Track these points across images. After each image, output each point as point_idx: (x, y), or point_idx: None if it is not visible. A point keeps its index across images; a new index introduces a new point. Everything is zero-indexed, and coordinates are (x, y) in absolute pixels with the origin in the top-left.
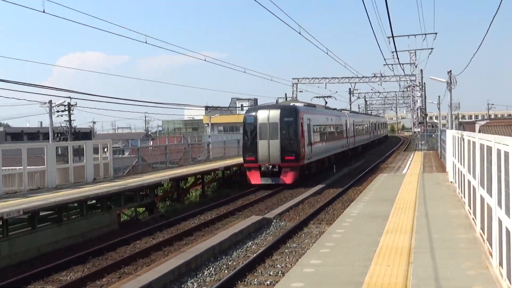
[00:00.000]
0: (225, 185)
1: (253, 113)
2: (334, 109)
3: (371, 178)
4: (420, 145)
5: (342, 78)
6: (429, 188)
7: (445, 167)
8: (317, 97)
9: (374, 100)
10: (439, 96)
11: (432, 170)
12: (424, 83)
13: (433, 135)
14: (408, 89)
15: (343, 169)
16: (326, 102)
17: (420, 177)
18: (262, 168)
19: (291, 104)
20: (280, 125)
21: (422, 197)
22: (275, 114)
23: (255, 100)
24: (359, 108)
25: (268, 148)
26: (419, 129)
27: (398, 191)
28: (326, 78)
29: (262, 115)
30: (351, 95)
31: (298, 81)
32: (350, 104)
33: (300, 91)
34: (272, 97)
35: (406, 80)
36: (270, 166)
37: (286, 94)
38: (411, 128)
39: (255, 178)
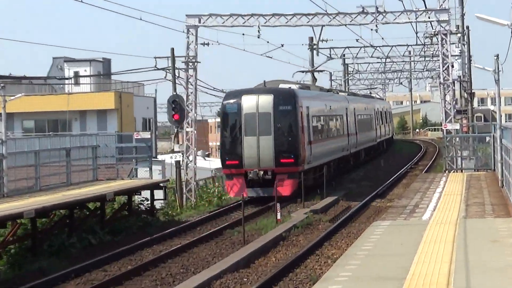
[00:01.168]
0: (40, 253)
1: (235, 100)
2: (330, 90)
3: (358, 228)
4: (460, 159)
5: (294, 16)
6: (478, 254)
7: None
8: (303, 71)
9: (364, 64)
10: (497, 57)
11: (485, 213)
12: (467, 27)
13: (487, 139)
14: (434, 40)
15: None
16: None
17: (459, 228)
18: (250, 175)
19: (288, 87)
20: (274, 116)
21: (463, 277)
22: (266, 101)
23: (108, 61)
24: (331, 84)
25: (258, 148)
26: (456, 127)
27: (411, 263)
28: (259, 15)
29: (248, 103)
30: (314, 50)
31: (198, 21)
32: (313, 73)
33: (204, 43)
34: (146, 58)
35: (430, 21)
36: (261, 173)
37: None
38: (440, 125)
39: (238, 189)
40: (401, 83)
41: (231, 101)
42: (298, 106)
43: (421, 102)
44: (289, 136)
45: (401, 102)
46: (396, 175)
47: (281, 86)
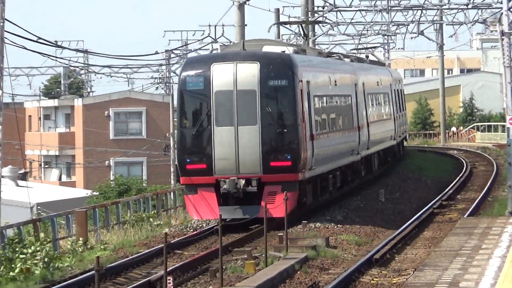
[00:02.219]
0: None
1: (201, 70)
2: (330, 54)
3: None
4: None
5: None
6: None
7: None
8: (285, 23)
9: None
10: None
11: None
12: None
13: None
14: None
15: None
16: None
17: None
18: (224, 186)
19: (279, 50)
20: (261, 96)
21: None
22: (249, 72)
23: None
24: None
25: (236, 145)
26: None
27: None
28: None
29: (221, 75)
30: None
31: None
32: (302, 26)
33: None
34: None
35: None
36: (242, 182)
37: None
38: (501, 118)
39: (206, 207)
40: (422, 33)
41: (194, 72)
42: (297, 81)
43: (462, 71)
44: (284, 126)
45: (421, 72)
46: (412, 220)
47: (266, 49)
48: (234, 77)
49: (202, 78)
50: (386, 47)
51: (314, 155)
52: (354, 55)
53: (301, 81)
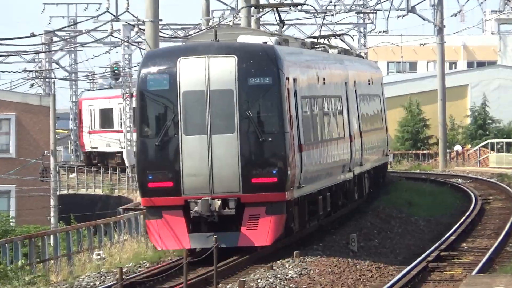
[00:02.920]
0: None
1: (166, 66)
2: (315, 45)
3: None
4: None
5: None
6: None
7: None
8: (258, 6)
9: None
10: None
11: None
12: None
13: None
14: None
15: None
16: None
17: None
18: (195, 209)
19: (259, 41)
20: (239, 98)
21: None
22: (225, 68)
23: None
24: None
25: (209, 157)
26: None
27: None
28: None
29: (190, 72)
30: None
31: None
32: (276, 9)
33: None
34: None
35: None
36: (218, 203)
37: None
38: None
39: (173, 235)
40: (413, 10)
41: (157, 68)
42: (283, 78)
43: (471, 65)
44: (268, 133)
45: (411, 66)
46: (397, 279)
47: (242, 39)
48: (206, 74)
49: (166, 75)
50: (361, 29)
51: (303, 171)
52: (324, 44)
53: (288, 78)
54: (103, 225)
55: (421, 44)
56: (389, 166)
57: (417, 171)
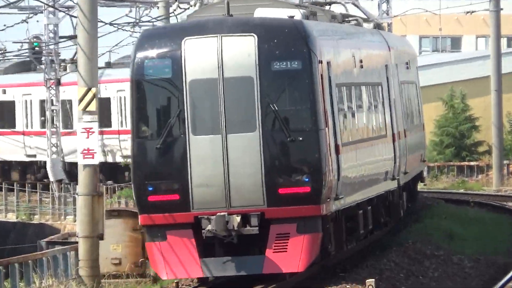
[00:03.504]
0: None
1: (168, 49)
2: (346, 17)
3: None
4: None
5: None
6: None
7: None
8: None
9: None
10: None
11: None
12: None
13: None
14: None
15: None
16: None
17: None
18: (209, 227)
19: (279, 13)
20: (261, 86)
21: None
22: (242, 49)
23: None
24: None
25: (225, 162)
26: None
27: None
28: None
29: (198, 55)
30: None
31: None
32: None
33: None
34: None
35: None
36: (237, 219)
37: None
38: None
39: (180, 260)
40: None
41: (157, 52)
42: (316, 61)
43: None
44: (299, 132)
45: (453, 43)
46: None
47: (260, 13)
48: (219, 58)
49: (169, 60)
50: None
51: (341, 178)
52: (357, 16)
53: (321, 62)
54: (18, 265)
55: (467, 12)
56: (421, 184)
57: (462, 190)
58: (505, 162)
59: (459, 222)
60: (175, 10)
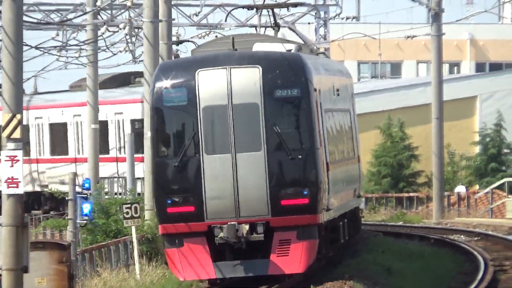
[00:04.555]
0: None
1: (183, 79)
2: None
3: None
4: None
5: None
6: None
7: None
8: (252, 6)
9: None
10: None
11: None
12: None
13: None
14: None
15: None
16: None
17: None
18: (221, 235)
19: (275, 47)
20: (265, 112)
21: None
22: (249, 79)
23: None
24: None
25: (234, 178)
26: None
27: None
28: None
29: (210, 85)
30: None
31: None
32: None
33: None
34: None
35: None
36: (246, 228)
37: None
38: None
39: (196, 264)
40: None
41: (173, 82)
42: (312, 89)
43: (481, 68)
44: (299, 150)
45: (394, 69)
46: None
47: (259, 47)
48: (228, 87)
49: (184, 90)
50: (320, 14)
51: (330, 192)
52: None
53: (316, 89)
54: None
55: (408, 37)
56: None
57: (400, 223)
58: (446, 193)
59: (398, 256)
60: (103, 33)
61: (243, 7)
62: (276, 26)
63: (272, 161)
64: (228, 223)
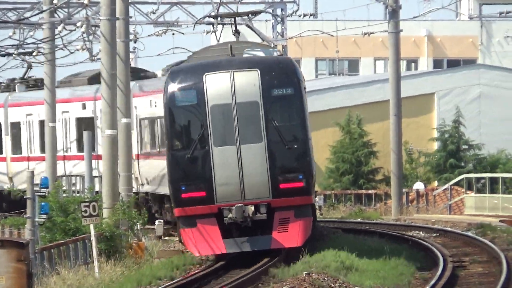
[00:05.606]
0: None
1: (193, 82)
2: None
3: None
4: None
5: None
6: None
7: None
8: (219, 16)
9: None
10: None
11: None
12: None
13: None
14: None
15: None
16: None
17: None
18: (230, 215)
19: (274, 52)
20: (264, 108)
21: None
22: (249, 80)
23: None
24: None
25: (240, 166)
26: None
27: None
28: None
29: (216, 86)
30: None
31: None
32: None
33: None
34: None
35: None
36: (251, 209)
37: None
38: None
39: (209, 242)
40: None
41: (184, 84)
42: (303, 88)
43: (438, 65)
44: (294, 141)
45: (351, 66)
46: None
47: (249, 52)
48: (232, 88)
49: (194, 91)
50: (277, 11)
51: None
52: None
53: (305, 88)
54: None
55: (365, 34)
56: (318, 213)
57: (359, 219)
58: (404, 190)
59: (358, 253)
60: (60, 31)
61: (209, 16)
62: (237, 33)
63: (272, 151)
64: (236, 205)
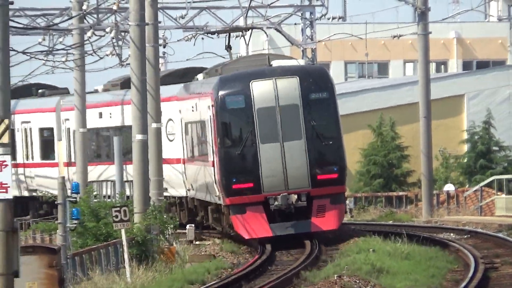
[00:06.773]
0: None
1: (241, 88)
2: None
3: None
4: None
5: None
6: None
7: None
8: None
9: None
10: None
11: None
12: None
13: None
14: None
15: None
16: None
17: None
18: (276, 203)
19: (289, 62)
20: (303, 110)
21: None
22: (290, 86)
23: None
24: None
25: (283, 160)
26: None
27: None
28: None
29: (261, 92)
30: None
31: None
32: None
33: None
34: None
35: None
36: (294, 197)
37: None
38: None
39: (257, 226)
40: None
41: (233, 90)
42: (335, 92)
43: (468, 67)
44: (329, 138)
45: (381, 68)
46: None
47: (276, 63)
48: (275, 93)
49: (242, 96)
50: (306, 15)
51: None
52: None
53: (337, 93)
54: None
55: (394, 36)
56: (348, 215)
57: (390, 222)
58: (435, 192)
59: (388, 256)
60: (90, 37)
61: (211, 32)
62: (229, 47)
63: (310, 147)
64: (281, 194)
